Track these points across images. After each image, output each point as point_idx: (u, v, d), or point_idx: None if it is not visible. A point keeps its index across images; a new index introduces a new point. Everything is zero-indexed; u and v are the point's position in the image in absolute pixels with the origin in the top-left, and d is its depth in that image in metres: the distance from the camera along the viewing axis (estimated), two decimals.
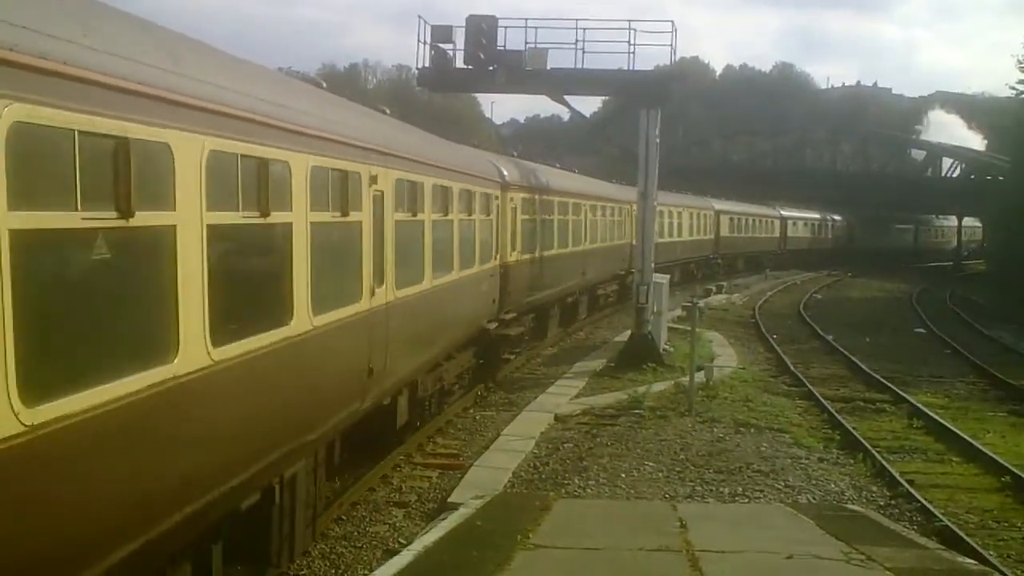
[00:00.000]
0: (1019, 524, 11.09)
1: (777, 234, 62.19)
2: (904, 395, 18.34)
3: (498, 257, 17.32)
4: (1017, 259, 40.57)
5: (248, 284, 7.14)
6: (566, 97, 22.95)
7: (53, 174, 4.67)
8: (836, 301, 42.56)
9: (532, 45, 21.05)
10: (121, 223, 5.07)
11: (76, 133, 4.69)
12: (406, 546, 8.99)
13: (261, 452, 7.17)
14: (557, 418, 15.62)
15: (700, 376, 17.96)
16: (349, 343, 9.23)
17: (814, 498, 11.79)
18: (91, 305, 5.01)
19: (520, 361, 21.19)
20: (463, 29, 20.76)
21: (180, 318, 5.70)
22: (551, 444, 13.98)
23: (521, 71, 20.83)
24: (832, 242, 71.92)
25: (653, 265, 21.48)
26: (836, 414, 16.46)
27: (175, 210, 5.65)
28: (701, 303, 20.43)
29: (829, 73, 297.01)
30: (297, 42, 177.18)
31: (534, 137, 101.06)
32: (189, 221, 5.80)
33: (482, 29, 20.61)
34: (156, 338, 5.58)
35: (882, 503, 11.73)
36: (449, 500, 10.95)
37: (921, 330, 31.05)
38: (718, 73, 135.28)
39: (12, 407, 4.29)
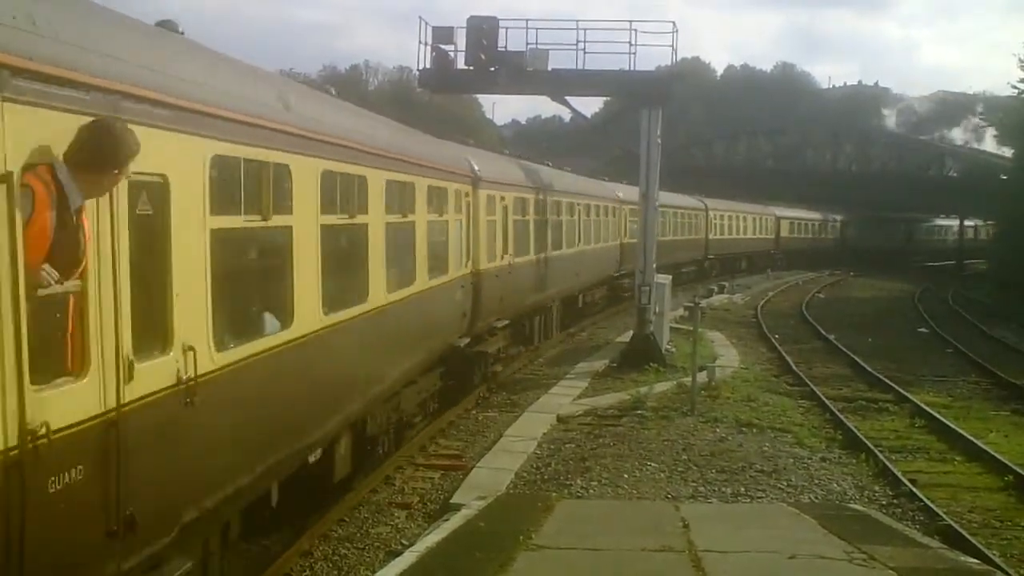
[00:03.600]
0: (1022, 523, 11.07)
1: (838, 235, 75.16)
2: (906, 394, 18.32)
3: (618, 239, 31.63)
4: (1021, 258, 40.49)
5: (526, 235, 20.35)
6: (567, 98, 22.97)
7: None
8: (838, 301, 42.55)
9: (533, 46, 21.06)
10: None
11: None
12: (409, 547, 8.99)
13: (543, 299, 22.17)
14: (559, 419, 15.62)
15: (702, 376, 17.96)
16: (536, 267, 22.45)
17: (816, 498, 11.78)
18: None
19: (522, 362, 21.25)
20: (464, 30, 20.77)
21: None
22: (553, 445, 13.99)
23: (522, 72, 20.82)
24: (891, 242, 77.26)
25: (655, 265, 21.48)
26: (838, 414, 16.44)
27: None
28: (703, 303, 20.73)
29: (830, 73, 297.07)
30: (297, 43, 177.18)
31: (535, 138, 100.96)
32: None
33: (483, 30, 20.61)
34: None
35: (885, 503, 11.71)
36: (451, 501, 10.96)
37: (923, 329, 31.03)
38: (719, 73, 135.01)
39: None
